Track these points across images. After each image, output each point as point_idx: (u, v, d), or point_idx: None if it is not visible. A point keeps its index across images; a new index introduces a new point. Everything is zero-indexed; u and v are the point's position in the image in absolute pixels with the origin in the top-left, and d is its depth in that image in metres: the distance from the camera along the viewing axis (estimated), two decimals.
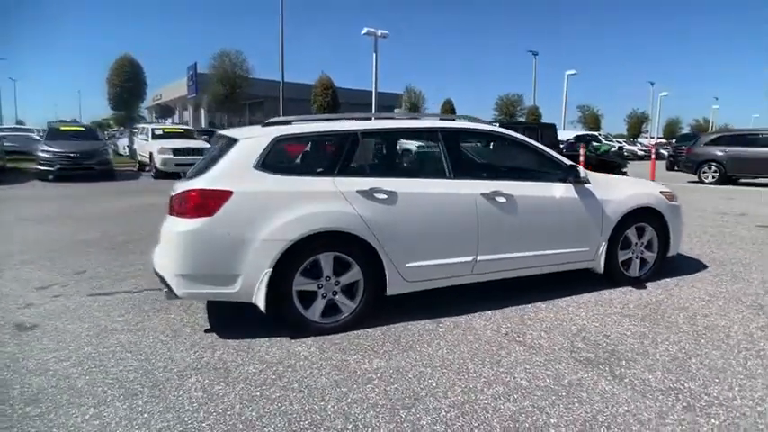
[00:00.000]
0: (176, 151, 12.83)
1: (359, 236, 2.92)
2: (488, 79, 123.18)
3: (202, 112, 38.51)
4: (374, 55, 24.25)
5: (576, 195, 3.57)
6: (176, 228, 2.79)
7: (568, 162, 3.67)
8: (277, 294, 2.82)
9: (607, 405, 2.19)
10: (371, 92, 26.50)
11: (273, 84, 27.11)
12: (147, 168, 14.22)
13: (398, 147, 3.66)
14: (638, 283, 3.88)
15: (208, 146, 13.74)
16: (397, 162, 3.59)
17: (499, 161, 3.75)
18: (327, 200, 2.91)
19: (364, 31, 23.06)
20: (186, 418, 2.09)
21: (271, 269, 2.77)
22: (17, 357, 2.68)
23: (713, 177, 12.70)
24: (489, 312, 3.31)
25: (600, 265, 3.73)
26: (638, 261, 3.93)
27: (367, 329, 3.02)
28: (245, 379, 2.43)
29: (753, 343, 2.84)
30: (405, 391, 2.31)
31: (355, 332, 2.98)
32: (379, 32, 23.65)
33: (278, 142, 2.97)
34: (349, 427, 2.03)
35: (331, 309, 2.99)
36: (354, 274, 2.99)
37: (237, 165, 2.88)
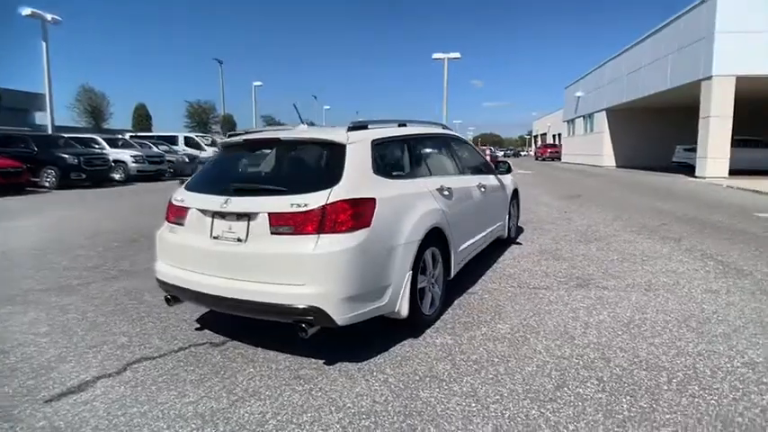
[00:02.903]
0: None
1: (443, 229, 3.27)
2: (182, 85, 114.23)
3: None
4: (43, 44, 18.93)
5: (499, 184, 4.94)
6: (332, 245, 2.40)
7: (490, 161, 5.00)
8: (410, 297, 2.84)
9: (625, 299, 3.60)
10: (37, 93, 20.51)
11: None
12: None
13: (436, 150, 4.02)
14: (516, 241, 5.65)
15: None
16: (441, 162, 3.94)
17: (468, 161, 4.63)
18: (427, 199, 3.12)
19: (27, 11, 17.66)
20: (492, 408, 2.15)
21: (411, 271, 2.79)
22: None
23: None
24: (484, 278, 4.22)
25: (506, 233, 5.25)
26: (513, 227, 5.69)
27: (448, 311, 3.39)
28: (462, 373, 2.49)
29: (609, 256, 4.96)
30: (555, 333, 3.01)
31: (446, 317, 3.31)
32: (49, 16, 18.68)
33: (375, 146, 2.91)
34: (578, 362, 2.61)
35: (431, 300, 3.20)
36: (439, 264, 3.30)
37: (361, 171, 2.70)
